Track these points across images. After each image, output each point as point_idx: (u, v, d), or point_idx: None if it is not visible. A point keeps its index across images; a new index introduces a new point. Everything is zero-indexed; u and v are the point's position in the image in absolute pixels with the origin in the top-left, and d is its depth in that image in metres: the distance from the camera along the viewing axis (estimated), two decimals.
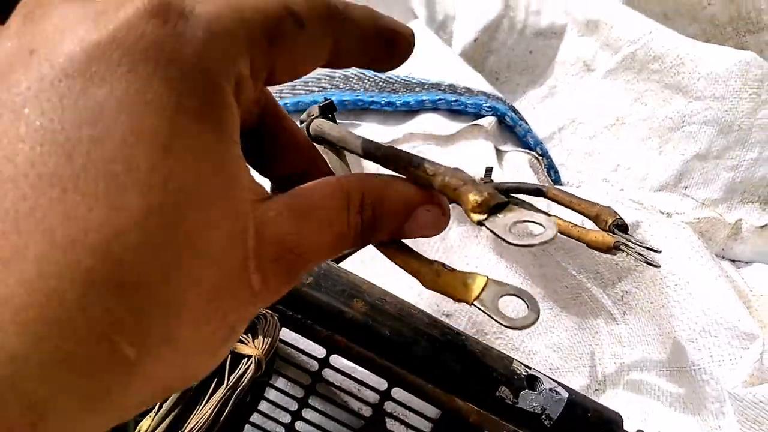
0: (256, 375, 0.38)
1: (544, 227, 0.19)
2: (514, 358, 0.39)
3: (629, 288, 0.52)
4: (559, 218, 0.43)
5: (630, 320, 0.52)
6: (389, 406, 0.64)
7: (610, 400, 0.52)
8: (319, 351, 0.63)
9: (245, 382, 0.37)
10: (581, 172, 0.84)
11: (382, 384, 0.63)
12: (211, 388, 0.36)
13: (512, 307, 0.23)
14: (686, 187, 0.77)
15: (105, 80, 0.15)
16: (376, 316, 0.38)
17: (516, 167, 0.60)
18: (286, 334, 0.63)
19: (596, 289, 0.54)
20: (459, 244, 0.64)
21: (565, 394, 0.38)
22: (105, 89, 0.15)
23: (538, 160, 0.63)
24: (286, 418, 0.67)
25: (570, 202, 0.43)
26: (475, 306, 0.21)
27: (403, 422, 0.64)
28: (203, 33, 0.16)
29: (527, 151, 0.63)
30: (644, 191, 0.79)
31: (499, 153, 0.63)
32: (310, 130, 0.29)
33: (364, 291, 0.39)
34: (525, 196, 0.46)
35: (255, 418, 0.70)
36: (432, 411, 0.64)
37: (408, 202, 0.21)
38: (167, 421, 0.34)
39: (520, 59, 0.88)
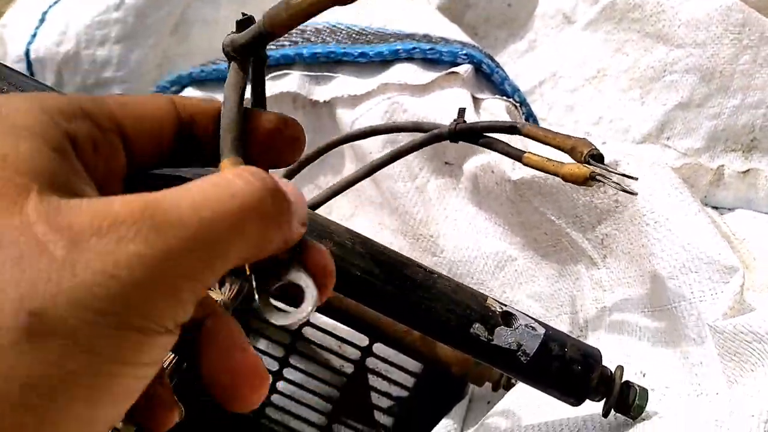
0: None
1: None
2: (488, 296, 0.38)
3: (609, 230, 0.51)
4: (535, 154, 0.42)
5: (611, 263, 0.51)
6: (371, 362, 0.63)
7: (591, 344, 0.51)
8: None
9: None
10: (563, 126, 0.82)
11: (363, 340, 0.63)
12: None
13: None
14: (668, 138, 0.76)
15: None
16: (345, 255, 0.36)
17: (493, 115, 0.59)
18: None
19: (576, 233, 0.53)
20: (437, 197, 0.63)
21: (541, 330, 0.37)
22: None
23: (516, 107, 0.62)
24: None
25: (545, 137, 0.42)
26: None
27: (385, 378, 0.64)
28: None
29: (505, 98, 0.62)
30: (627, 143, 0.77)
31: (476, 101, 0.61)
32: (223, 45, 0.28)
33: (332, 231, 0.37)
34: (499, 134, 0.45)
35: None
36: (414, 365, 0.64)
37: None
38: None
39: (499, 12, 0.86)
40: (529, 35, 0.85)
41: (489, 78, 0.62)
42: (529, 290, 0.58)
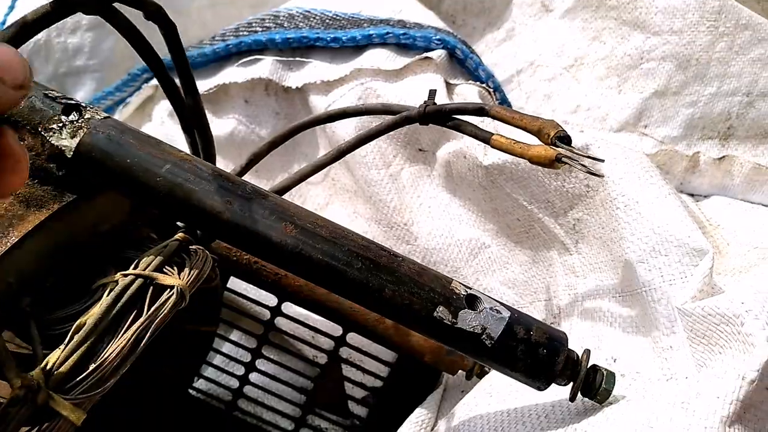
0: (180, 306, 0.36)
1: None
2: (453, 279, 0.37)
3: (581, 215, 0.50)
4: (502, 136, 0.41)
5: (582, 249, 0.51)
6: (345, 351, 0.63)
7: (566, 332, 0.51)
8: (271, 300, 0.62)
9: (165, 312, 0.35)
10: (541, 115, 0.82)
11: (336, 330, 0.62)
12: (128, 320, 0.34)
13: None
14: (646, 126, 0.76)
15: None
16: (307, 239, 0.36)
17: (466, 100, 0.58)
18: (237, 284, 0.61)
19: (548, 219, 0.52)
20: (411, 184, 0.62)
21: (506, 313, 0.36)
22: None
23: (489, 93, 0.61)
24: (241, 371, 0.65)
25: (512, 119, 0.41)
26: None
27: (359, 368, 0.63)
28: None
29: (478, 83, 0.61)
30: (604, 132, 0.77)
31: (450, 86, 0.60)
32: None
33: (293, 214, 0.36)
34: (468, 117, 0.44)
35: (209, 372, 0.68)
36: (388, 355, 0.63)
37: None
38: (78, 353, 0.32)
39: (477, 1, 0.85)
40: (507, 24, 0.85)
41: (463, 63, 0.61)
42: (502, 277, 0.57)
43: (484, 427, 0.42)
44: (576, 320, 0.50)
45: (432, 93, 0.46)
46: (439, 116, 0.45)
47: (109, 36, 0.80)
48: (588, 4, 0.78)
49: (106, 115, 0.37)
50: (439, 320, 0.35)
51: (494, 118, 0.42)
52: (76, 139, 0.35)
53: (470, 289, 0.37)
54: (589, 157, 0.37)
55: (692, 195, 0.69)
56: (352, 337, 0.61)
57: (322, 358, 0.64)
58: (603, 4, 0.77)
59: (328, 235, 0.36)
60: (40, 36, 0.80)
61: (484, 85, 0.61)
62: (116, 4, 0.36)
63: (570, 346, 0.37)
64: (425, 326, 0.36)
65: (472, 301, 0.36)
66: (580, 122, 0.79)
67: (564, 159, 0.37)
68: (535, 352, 0.36)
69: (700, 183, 0.69)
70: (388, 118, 0.48)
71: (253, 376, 0.65)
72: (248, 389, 0.66)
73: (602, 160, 0.38)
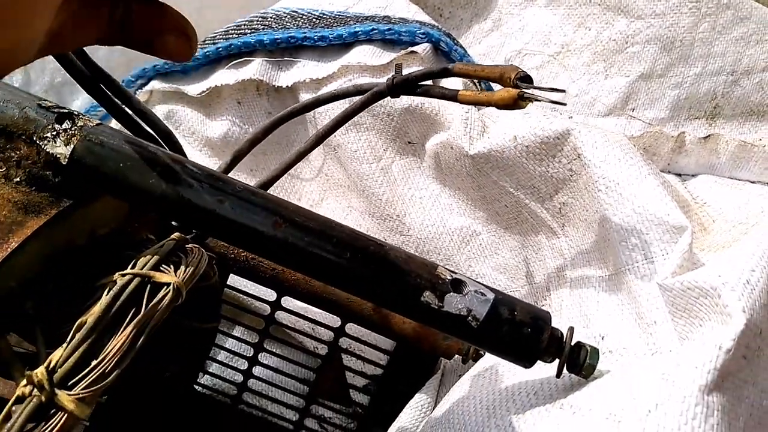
0: (176, 302, 0.37)
1: None
2: (438, 264, 0.38)
3: (566, 199, 0.51)
4: (467, 90, 0.43)
5: (569, 232, 0.52)
6: (345, 342, 0.64)
7: (557, 312, 0.52)
8: (271, 295, 0.63)
9: (162, 308, 0.36)
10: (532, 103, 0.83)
11: (335, 321, 0.63)
12: (128, 318, 0.35)
13: None
14: (633, 109, 0.77)
15: None
16: (297, 232, 0.37)
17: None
18: (237, 281, 0.63)
19: (535, 204, 0.54)
20: (402, 177, 0.63)
21: (491, 295, 0.37)
22: None
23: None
24: (244, 365, 0.67)
25: (475, 71, 0.43)
26: None
27: (359, 357, 0.65)
28: None
29: None
30: (593, 117, 0.78)
31: (435, 78, 0.61)
32: None
33: (283, 209, 0.38)
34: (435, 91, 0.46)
35: (214, 368, 0.69)
36: (387, 343, 0.64)
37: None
38: (80, 350, 0.33)
39: None
40: (493, 14, 0.86)
41: (448, 56, 0.63)
42: (494, 263, 0.59)
43: (477, 407, 0.43)
44: (566, 301, 0.52)
45: (398, 67, 0.48)
46: (407, 86, 0.47)
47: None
48: None
49: (98, 122, 0.38)
50: (426, 305, 0.37)
51: (458, 75, 0.44)
52: (70, 147, 0.37)
53: (455, 273, 0.38)
54: (550, 89, 0.38)
55: (680, 175, 0.70)
56: (351, 328, 0.63)
57: (322, 349, 0.66)
58: None
59: (316, 227, 0.38)
60: None
61: None
62: None
63: (559, 326, 0.39)
64: (414, 311, 0.37)
65: (457, 284, 0.37)
66: (569, 108, 0.80)
67: (526, 96, 0.39)
68: (519, 332, 0.37)
69: (687, 163, 0.70)
70: (361, 96, 0.49)
71: (257, 370, 0.67)
72: (252, 383, 0.67)
73: (563, 91, 0.39)
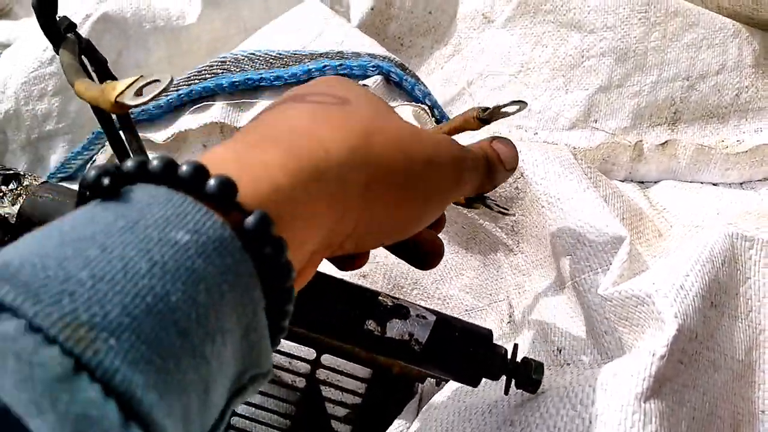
0: None
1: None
2: (380, 292, 0.39)
3: (517, 217, 0.52)
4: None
5: (524, 248, 0.53)
6: (322, 373, 0.65)
7: (520, 329, 0.53)
8: None
9: None
10: (497, 122, 0.85)
11: (311, 353, 0.64)
12: None
13: None
14: (596, 121, 0.78)
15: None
16: None
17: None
18: None
19: (488, 224, 0.55)
20: None
21: (432, 318, 0.38)
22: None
23: (426, 111, 0.64)
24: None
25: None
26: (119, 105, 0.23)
27: (338, 387, 0.65)
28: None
29: (413, 103, 0.64)
30: (557, 131, 0.79)
31: None
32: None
33: None
34: None
35: None
36: (364, 372, 0.65)
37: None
38: None
39: (421, 21, 0.88)
40: (453, 39, 0.88)
41: (400, 86, 0.64)
42: (460, 283, 0.60)
43: (437, 429, 0.44)
44: (527, 316, 0.53)
45: None
46: None
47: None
48: (526, 11, 0.81)
49: (43, 180, 0.40)
50: (369, 332, 0.38)
51: None
52: (17, 206, 0.38)
53: (397, 299, 0.39)
54: (511, 103, 0.38)
55: (642, 182, 0.71)
56: (327, 358, 0.63)
57: (300, 382, 0.66)
58: (539, 10, 0.80)
59: None
60: (9, 106, 0.84)
61: (419, 104, 0.64)
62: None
63: (522, 342, 0.39)
64: (359, 340, 0.38)
65: (399, 310, 0.38)
66: (534, 125, 0.81)
67: (484, 116, 0.39)
68: (461, 352, 0.38)
69: (647, 170, 0.71)
70: None
71: (240, 408, 0.68)
72: (235, 420, 0.68)
73: (524, 102, 0.39)
